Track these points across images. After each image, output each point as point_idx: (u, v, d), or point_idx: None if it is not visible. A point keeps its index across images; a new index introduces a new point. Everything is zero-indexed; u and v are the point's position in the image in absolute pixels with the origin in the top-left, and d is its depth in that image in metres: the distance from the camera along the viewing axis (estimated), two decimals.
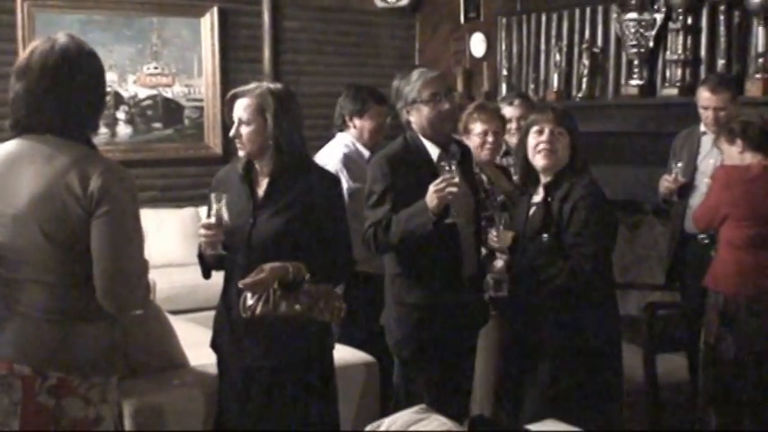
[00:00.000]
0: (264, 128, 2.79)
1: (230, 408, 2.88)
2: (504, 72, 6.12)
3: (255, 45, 6.47)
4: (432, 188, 2.93)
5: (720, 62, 4.77)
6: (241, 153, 2.86)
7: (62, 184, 2.12)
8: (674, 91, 4.93)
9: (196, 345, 3.30)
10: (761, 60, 4.56)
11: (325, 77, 6.56)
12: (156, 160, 6.16)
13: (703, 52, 4.90)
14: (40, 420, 2.15)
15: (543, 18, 5.87)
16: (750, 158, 3.63)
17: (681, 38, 4.92)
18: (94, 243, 2.12)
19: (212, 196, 2.76)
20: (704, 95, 4.15)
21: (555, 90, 5.69)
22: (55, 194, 2.12)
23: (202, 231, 2.75)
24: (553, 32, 5.79)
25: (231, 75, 6.27)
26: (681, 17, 4.91)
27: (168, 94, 6.21)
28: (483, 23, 6.48)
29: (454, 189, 2.91)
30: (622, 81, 5.33)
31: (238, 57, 6.40)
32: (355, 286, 3.67)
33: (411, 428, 2.43)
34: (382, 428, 2.49)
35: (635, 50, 5.11)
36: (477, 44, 6.51)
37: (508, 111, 4.17)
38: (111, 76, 5.78)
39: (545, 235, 3.16)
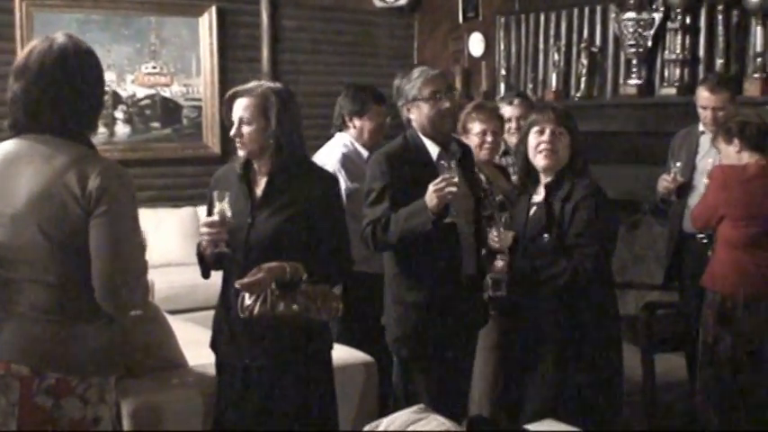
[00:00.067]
0: (266, 127, 2.78)
1: (229, 408, 2.88)
2: (503, 72, 6.12)
3: (254, 44, 6.47)
4: (431, 188, 2.93)
5: (719, 62, 4.78)
6: (241, 153, 2.85)
7: (61, 184, 2.12)
8: (673, 90, 4.93)
9: (195, 345, 3.30)
10: (759, 60, 4.57)
11: (324, 77, 6.56)
12: (154, 160, 6.16)
13: (702, 52, 4.90)
14: (38, 421, 2.15)
15: (542, 18, 5.87)
16: (747, 158, 3.63)
17: (679, 37, 4.92)
18: (93, 243, 2.12)
19: (215, 194, 2.76)
20: (703, 95, 4.16)
21: (553, 90, 5.69)
22: (54, 194, 2.12)
23: (205, 230, 2.75)
24: (552, 32, 5.79)
25: (230, 74, 6.26)
26: (679, 17, 4.91)
27: (166, 93, 6.21)
28: (481, 23, 6.48)
29: (454, 189, 2.91)
30: (621, 81, 5.34)
31: (237, 56, 6.40)
32: (353, 286, 3.67)
33: (410, 428, 2.44)
34: (381, 428, 2.50)
35: (633, 50, 5.11)
36: (476, 44, 6.51)
37: (507, 110, 4.18)
38: (109, 76, 5.76)
39: (546, 235, 3.16)
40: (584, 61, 5.48)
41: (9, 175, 2.18)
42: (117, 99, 6.02)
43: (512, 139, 4.08)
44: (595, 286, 3.18)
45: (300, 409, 2.83)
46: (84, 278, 2.13)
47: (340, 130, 4.19)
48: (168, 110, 6.23)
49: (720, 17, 4.76)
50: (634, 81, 5.16)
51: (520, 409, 3.28)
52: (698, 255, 4.09)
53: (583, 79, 5.50)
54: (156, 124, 6.20)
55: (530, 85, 5.93)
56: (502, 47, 6.14)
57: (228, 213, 2.71)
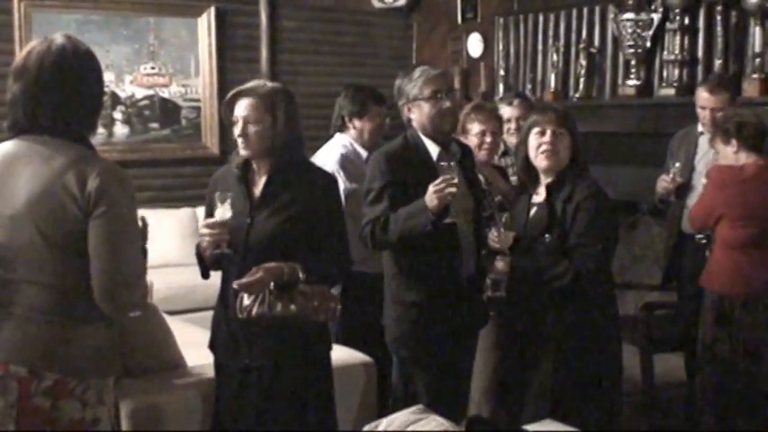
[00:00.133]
0: (272, 127, 2.78)
1: (227, 408, 2.88)
2: (502, 72, 6.12)
3: (252, 45, 6.47)
4: (431, 188, 2.92)
5: (717, 62, 4.78)
6: (243, 153, 2.83)
7: (60, 185, 2.12)
8: (672, 91, 4.94)
9: (194, 345, 3.30)
10: (758, 60, 4.57)
11: (323, 77, 6.56)
12: (153, 160, 6.16)
13: (700, 52, 4.90)
14: (36, 422, 2.15)
15: (540, 18, 5.87)
16: (745, 158, 3.63)
17: (678, 38, 4.92)
18: (92, 243, 2.11)
19: (216, 195, 2.75)
20: (703, 96, 4.15)
21: (552, 90, 5.69)
22: (52, 195, 2.12)
23: (206, 231, 2.75)
24: (550, 32, 5.79)
25: (228, 75, 6.26)
26: (678, 17, 4.91)
27: (165, 94, 6.20)
28: (480, 24, 6.48)
29: (454, 189, 2.91)
30: (619, 81, 5.34)
31: (235, 57, 6.40)
32: (353, 286, 3.67)
33: (409, 429, 2.44)
34: (380, 428, 2.50)
35: (632, 50, 5.11)
36: (475, 44, 6.51)
37: (507, 111, 4.17)
38: (108, 77, 5.76)
39: (547, 235, 3.17)
40: (583, 62, 5.48)
41: (8, 175, 2.17)
42: (116, 100, 6.01)
43: (511, 140, 4.08)
44: (595, 286, 3.19)
45: (299, 410, 2.83)
46: (83, 279, 2.13)
47: (339, 131, 4.19)
48: (167, 110, 6.22)
49: (719, 18, 4.76)
50: (633, 81, 5.16)
51: (520, 409, 3.28)
52: (696, 255, 4.09)
53: (581, 80, 5.50)
54: (154, 125, 6.20)
55: (528, 86, 5.93)
56: (500, 47, 6.15)
57: (230, 214, 2.72)
